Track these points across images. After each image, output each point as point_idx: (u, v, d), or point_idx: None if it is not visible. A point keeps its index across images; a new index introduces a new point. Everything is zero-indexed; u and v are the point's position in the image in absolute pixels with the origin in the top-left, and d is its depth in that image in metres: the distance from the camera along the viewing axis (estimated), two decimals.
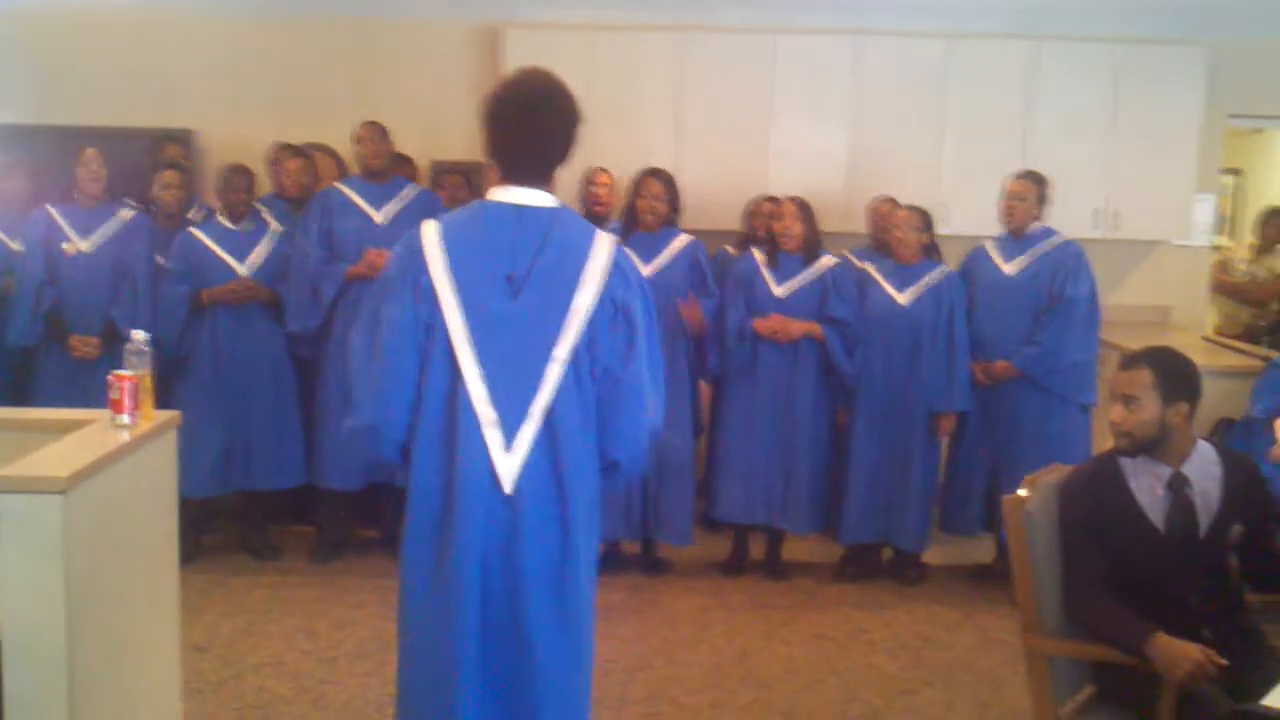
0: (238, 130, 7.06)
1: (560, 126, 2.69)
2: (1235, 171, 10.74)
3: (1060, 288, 5.45)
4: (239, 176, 5.71)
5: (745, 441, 5.55)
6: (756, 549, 5.78)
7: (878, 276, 5.59)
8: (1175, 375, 3.16)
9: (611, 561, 5.66)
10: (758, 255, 5.60)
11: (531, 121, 2.66)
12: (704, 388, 6.01)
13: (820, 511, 5.63)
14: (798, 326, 5.43)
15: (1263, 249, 7.72)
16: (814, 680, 4.55)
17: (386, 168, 5.83)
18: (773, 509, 5.59)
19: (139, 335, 3.37)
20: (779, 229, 5.51)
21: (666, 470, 5.48)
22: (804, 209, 5.52)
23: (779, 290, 5.48)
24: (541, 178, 2.70)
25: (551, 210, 2.69)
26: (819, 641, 4.94)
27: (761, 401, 5.52)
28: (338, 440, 5.02)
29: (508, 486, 2.61)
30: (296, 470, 5.78)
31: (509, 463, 2.61)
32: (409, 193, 5.82)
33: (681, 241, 5.53)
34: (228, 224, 5.68)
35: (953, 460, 5.75)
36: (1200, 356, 5.94)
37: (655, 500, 5.53)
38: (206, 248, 5.61)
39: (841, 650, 4.85)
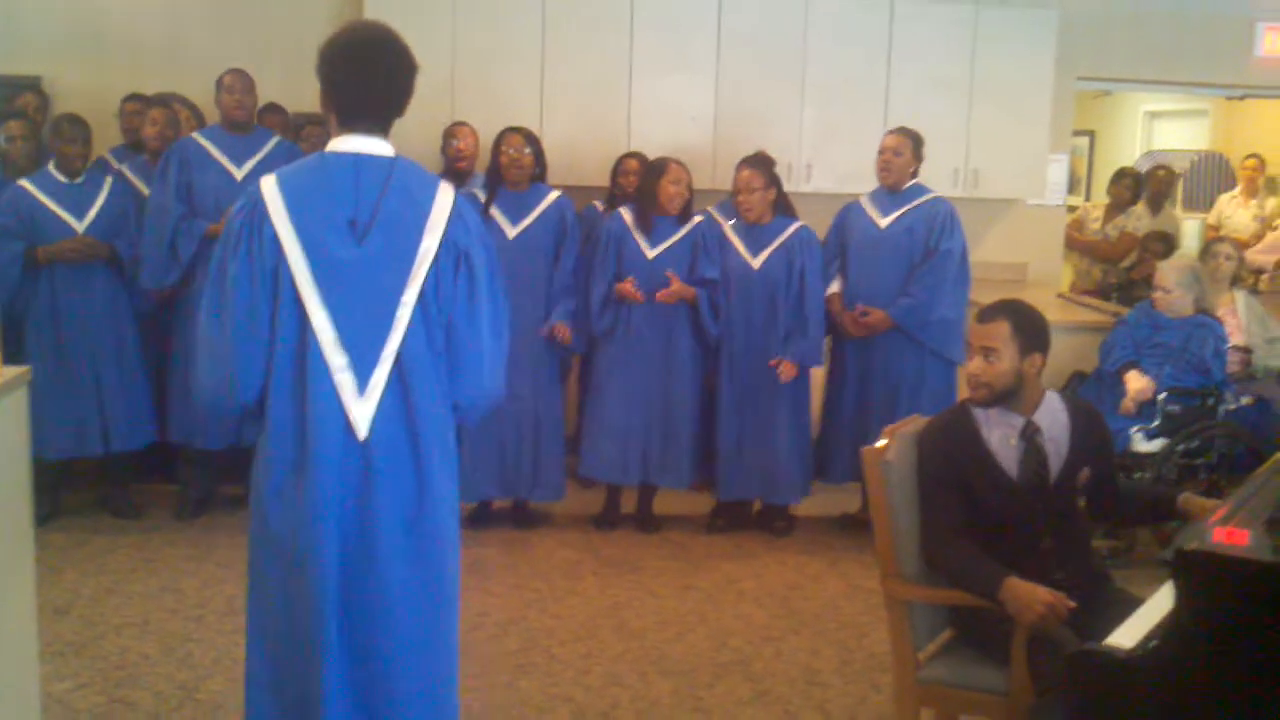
0: (90, 78, 6.77)
1: (394, 73, 2.68)
2: (1088, 133, 11.10)
3: (934, 242, 5.56)
4: (72, 126, 5.45)
5: (622, 402, 5.56)
6: (629, 503, 5.82)
7: (733, 238, 5.60)
8: (1031, 328, 3.28)
9: (484, 516, 5.67)
10: (626, 215, 5.60)
11: (365, 70, 2.65)
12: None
13: (696, 466, 5.69)
14: (676, 292, 5.43)
15: (1115, 208, 8.01)
16: (684, 630, 4.62)
17: (250, 119, 5.68)
18: (649, 467, 5.63)
19: None
20: (672, 192, 5.46)
21: (538, 428, 5.51)
22: (688, 173, 5.54)
23: (651, 252, 5.50)
24: (378, 127, 2.70)
25: (390, 159, 2.69)
26: (689, 592, 5.01)
27: (637, 361, 5.53)
28: (193, 399, 4.93)
29: (361, 432, 2.61)
30: (147, 429, 5.65)
31: (362, 408, 2.61)
32: (271, 145, 5.68)
33: (550, 199, 5.50)
34: (61, 177, 5.43)
35: (826, 411, 5.86)
36: (1054, 312, 6.21)
37: (527, 459, 5.54)
38: (39, 202, 5.36)
39: (711, 600, 4.93)
